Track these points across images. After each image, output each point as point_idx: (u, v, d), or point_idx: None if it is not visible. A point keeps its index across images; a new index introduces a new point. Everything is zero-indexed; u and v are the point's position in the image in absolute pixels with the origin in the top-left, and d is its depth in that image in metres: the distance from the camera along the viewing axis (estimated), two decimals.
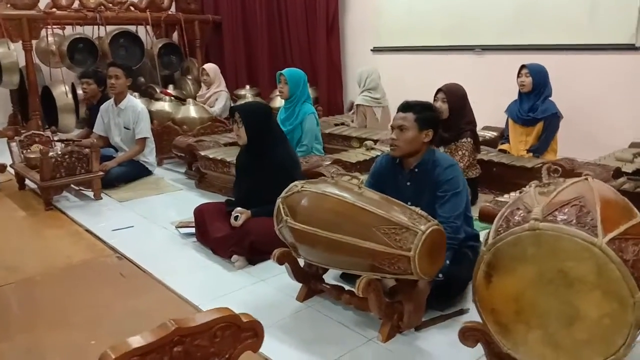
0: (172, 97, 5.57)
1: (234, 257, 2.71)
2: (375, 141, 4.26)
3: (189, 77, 7.62)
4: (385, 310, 1.99)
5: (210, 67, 5.83)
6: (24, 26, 6.14)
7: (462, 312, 2.21)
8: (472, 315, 1.99)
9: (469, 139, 3.53)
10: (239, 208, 2.87)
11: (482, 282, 1.57)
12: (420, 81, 5.63)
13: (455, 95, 3.62)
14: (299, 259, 2.29)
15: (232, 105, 5.69)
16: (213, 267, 2.75)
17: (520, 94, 4.08)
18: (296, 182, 2.23)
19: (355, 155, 3.93)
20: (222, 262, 2.80)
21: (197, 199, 4.01)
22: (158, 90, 6.74)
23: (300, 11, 6.60)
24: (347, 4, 6.32)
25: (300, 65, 6.54)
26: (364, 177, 2.36)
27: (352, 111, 5.98)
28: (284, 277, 2.51)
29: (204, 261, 2.83)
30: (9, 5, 6.14)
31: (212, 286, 2.54)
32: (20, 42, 6.21)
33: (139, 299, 2.40)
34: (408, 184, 2.32)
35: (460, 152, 3.50)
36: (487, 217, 2.67)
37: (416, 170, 2.30)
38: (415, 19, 5.65)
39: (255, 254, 2.73)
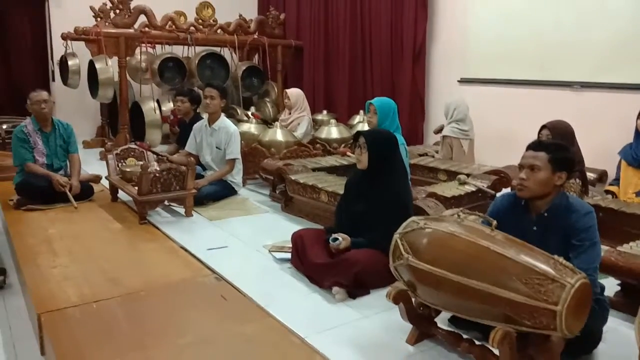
0: (260, 120, 5.67)
1: (335, 288, 2.63)
2: (468, 175, 4.12)
3: (268, 99, 7.77)
4: None
5: (292, 91, 5.90)
6: (121, 44, 6.48)
7: None
8: None
9: (577, 180, 3.34)
10: (341, 234, 2.81)
11: None
12: (510, 116, 5.49)
13: (561, 133, 3.46)
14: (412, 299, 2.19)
15: (313, 130, 5.78)
16: (312, 297, 2.69)
17: (637, 135, 3.84)
18: (415, 218, 2.14)
19: (449, 189, 3.80)
20: (320, 291, 2.73)
21: (285, 222, 4.01)
22: (239, 111, 6.91)
23: (385, 38, 6.60)
24: (435, 33, 6.25)
25: (380, 92, 6.52)
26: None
27: (437, 132, 5.85)
28: (388, 315, 2.42)
29: (302, 289, 2.77)
30: (107, 24, 6.49)
31: (315, 318, 2.47)
32: (116, 58, 6.53)
33: (244, 325, 2.36)
34: (535, 228, 2.18)
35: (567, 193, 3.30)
36: (610, 269, 2.49)
37: (546, 214, 2.15)
38: (505, 50, 5.50)
39: (357, 287, 2.65)
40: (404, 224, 2.14)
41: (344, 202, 3.08)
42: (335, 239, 2.74)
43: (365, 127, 5.72)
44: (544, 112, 4.97)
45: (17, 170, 4.21)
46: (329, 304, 2.61)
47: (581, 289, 1.68)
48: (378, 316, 2.48)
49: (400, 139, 4.03)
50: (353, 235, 2.78)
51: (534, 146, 2.20)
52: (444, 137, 5.20)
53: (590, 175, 4.36)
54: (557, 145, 2.20)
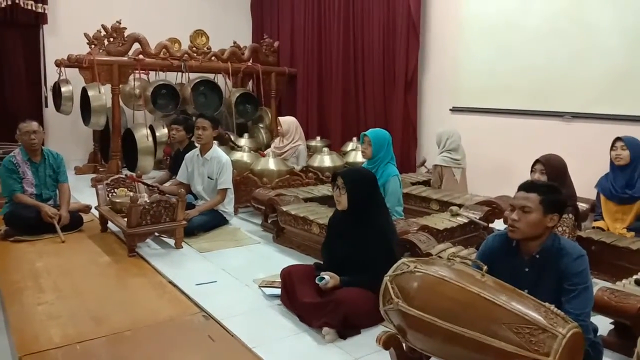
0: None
1: (325, 329, 2.58)
2: (460, 206, 4.11)
3: (261, 125, 7.79)
4: None
5: (285, 119, 5.92)
6: (115, 71, 6.49)
7: None
8: None
9: (570, 215, 3.33)
10: (329, 272, 2.78)
11: None
12: (502, 146, 5.51)
13: (554, 167, 3.46)
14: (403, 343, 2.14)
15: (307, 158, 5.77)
16: (302, 337, 2.63)
17: (613, 167, 3.84)
18: (405, 260, 2.11)
19: (441, 221, 3.78)
20: (310, 331, 2.68)
21: (276, 254, 3.97)
22: (233, 138, 6.90)
23: (377, 66, 6.64)
24: (427, 62, 6.30)
25: (373, 120, 6.56)
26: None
27: (426, 170, 5.88)
28: (379, 356, 2.38)
29: (292, 329, 2.72)
30: (101, 51, 6.51)
31: None
32: (109, 85, 6.54)
33: None
34: (527, 270, 2.15)
35: (560, 229, 3.29)
36: (602, 308, 2.45)
37: (538, 256, 2.13)
38: (497, 80, 5.54)
39: (347, 327, 2.60)
40: (394, 266, 2.11)
41: (328, 241, 3.04)
42: (322, 279, 2.70)
43: (359, 155, 5.75)
44: (536, 142, 5.02)
45: (6, 201, 4.16)
46: (319, 345, 2.56)
47: (573, 339, 1.66)
48: (369, 357, 2.44)
49: (394, 170, 4.04)
50: (340, 273, 2.74)
51: (525, 187, 2.19)
52: (435, 166, 5.21)
53: (582, 206, 4.35)
54: (549, 186, 2.19)
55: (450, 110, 6.01)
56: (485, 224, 3.97)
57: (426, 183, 5.28)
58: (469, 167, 5.22)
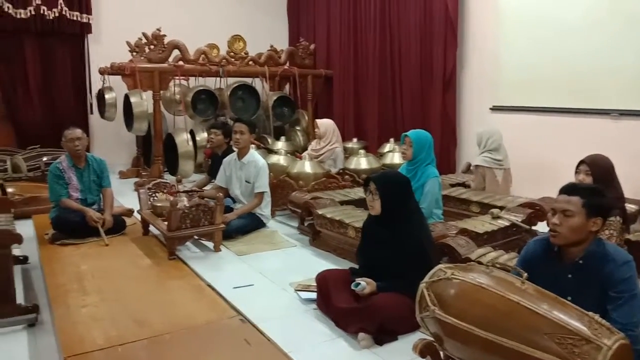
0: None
1: (361, 334, 2.56)
2: (501, 208, 3.99)
3: (298, 128, 7.82)
4: None
5: (322, 122, 5.93)
6: (156, 78, 6.66)
7: None
8: None
9: (617, 218, 3.17)
10: (365, 278, 2.75)
11: None
12: (544, 145, 5.33)
13: (600, 168, 3.30)
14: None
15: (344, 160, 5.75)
16: (337, 343, 2.62)
17: None
18: (442, 267, 2.06)
19: (482, 224, 3.68)
20: (345, 336, 2.66)
21: (312, 258, 3.97)
22: (270, 141, 6.96)
23: (415, 65, 6.57)
24: (466, 60, 6.18)
25: (411, 120, 6.48)
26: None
27: (465, 171, 5.75)
28: None
29: (327, 334, 2.70)
30: (142, 58, 6.69)
31: None
32: (151, 92, 6.71)
33: None
34: (569, 276, 2.07)
35: (607, 232, 3.15)
36: None
37: (581, 262, 2.05)
38: (538, 77, 5.37)
39: (383, 333, 2.56)
40: (431, 272, 2.06)
41: (362, 246, 3.01)
42: (358, 284, 2.67)
43: (396, 157, 5.69)
44: (581, 141, 4.84)
45: (53, 206, 4.32)
46: (354, 351, 2.53)
47: (620, 351, 1.57)
48: None
49: (434, 172, 3.97)
50: (375, 278, 2.71)
51: (567, 190, 2.10)
52: (476, 166, 5.08)
53: (630, 208, 4.16)
54: (592, 189, 2.10)
55: (491, 109, 5.86)
56: (528, 227, 3.84)
57: (466, 185, 5.16)
58: (511, 167, 5.07)
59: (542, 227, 3.89)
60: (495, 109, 5.82)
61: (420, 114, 6.53)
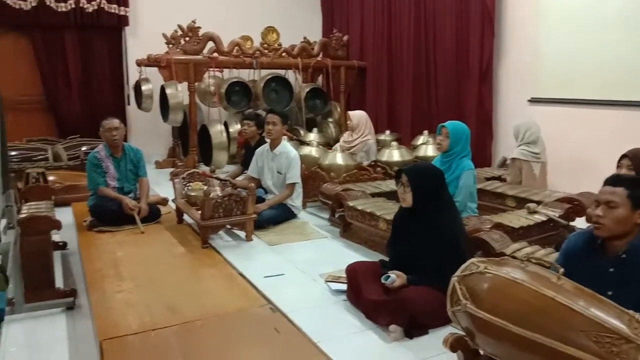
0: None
1: (393, 326, 2.53)
2: (538, 203, 3.89)
3: (330, 120, 7.80)
4: None
5: (355, 114, 5.89)
6: (191, 69, 6.74)
7: None
8: None
9: None
10: (395, 271, 2.72)
11: None
12: (585, 139, 5.15)
13: None
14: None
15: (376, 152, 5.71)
16: (367, 335, 2.61)
17: None
18: (475, 261, 2.01)
19: (517, 218, 3.59)
20: (375, 328, 2.65)
21: (343, 249, 3.96)
22: (302, 133, 6.96)
23: (450, 56, 6.44)
24: (503, 50, 6.02)
25: (445, 112, 6.36)
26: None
27: (502, 165, 5.62)
28: (446, 358, 2.30)
29: (357, 325, 2.70)
30: (178, 50, 6.79)
31: (370, 358, 2.39)
32: (186, 83, 6.81)
33: None
34: (611, 270, 1.99)
35: None
36: None
37: (624, 256, 1.97)
38: (579, 68, 5.18)
39: (413, 327, 2.54)
40: (463, 266, 2.02)
41: (393, 239, 2.97)
42: (388, 277, 2.65)
43: (430, 149, 5.61)
44: (622, 134, 4.65)
45: (91, 194, 4.44)
46: (384, 343, 2.52)
47: None
48: (436, 359, 2.37)
49: (470, 164, 3.90)
50: (406, 271, 2.68)
51: (611, 181, 2.03)
52: (513, 159, 4.95)
53: None
54: (638, 180, 2.03)
55: (529, 101, 5.70)
56: (566, 223, 3.73)
57: (502, 178, 5.05)
58: (549, 161, 4.92)
59: (580, 223, 3.77)
60: (534, 101, 5.65)
61: (456, 105, 6.40)
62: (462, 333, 2.02)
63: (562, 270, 1.80)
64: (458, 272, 2.01)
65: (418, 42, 6.90)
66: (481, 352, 2.00)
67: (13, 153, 5.70)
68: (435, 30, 6.65)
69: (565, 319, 1.65)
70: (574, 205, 3.83)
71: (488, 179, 4.95)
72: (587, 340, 1.58)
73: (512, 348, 1.77)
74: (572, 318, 1.63)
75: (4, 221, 3.12)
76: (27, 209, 3.45)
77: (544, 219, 3.65)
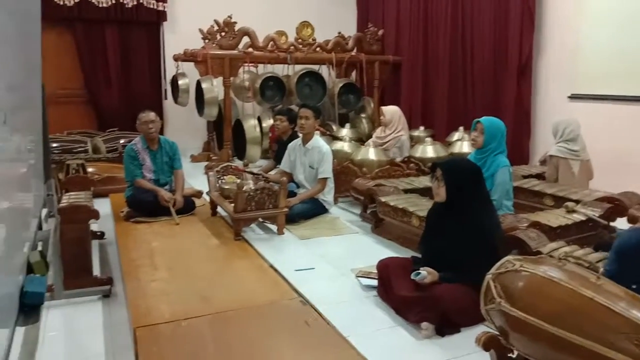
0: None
1: (424, 324, 2.50)
2: (577, 202, 3.77)
3: (363, 115, 7.76)
4: None
5: (388, 109, 5.83)
6: (226, 64, 6.82)
7: None
8: None
9: None
10: (426, 267, 2.69)
11: None
12: (627, 137, 4.97)
13: None
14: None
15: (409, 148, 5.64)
16: (397, 331, 2.58)
17: None
18: (510, 258, 1.97)
19: (555, 217, 3.49)
20: (404, 324, 2.63)
21: (374, 245, 3.94)
22: (335, 128, 6.95)
23: (488, 52, 6.31)
24: (543, 45, 5.86)
25: (482, 108, 6.24)
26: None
27: (542, 162, 5.47)
28: (478, 357, 2.25)
29: (387, 321, 2.68)
30: (214, 45, 6.87)
31: (398, 354, 2.37)
32: (221, 78, 6.89)
33: (325, 356, 2.32)
34: None
35: None
36: None
37: None
38: (622, 64, 5.00)
39: (446, 325, 2.50)
40: (498, 264, 1.98)
41: (426, 235, 2.93)
42: (418, 273, 2.62)
43: (465, 146, 5.51)
44: None
45: (128, 185, 4.54)
46: (415, 340, 2.49)
47: None
48: (467, 357, 2.33)
49: (505, 161, 3.81)
50: (438, 268, 2.64)
51: None
52: (550, 156, 4.82)
53: None
54: None
55: (569, 97, 5.54)
56: (606, 223, 3.60)
57: (539, 176, 4.91)
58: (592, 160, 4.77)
59: (621, 224, 3.64)
60: (574, 97, 5.49)
61: (493, 102, 6.28)
62: (496, 332, 1.98)
63: (601, 270, 1.75)
64: (493, 270, 1.97)
65: (455, 37, 6.78)
66: (515, 352, 1.96)
67: (54, 145, 5.88)
68: (472, 24, 6.53)
69: (604, 320, 1.59)
70: (614, 205, 3.69)
71: (525, 177, 4.83)
72: (629, 344, 1.52)
73: (547, 348, 1.72)
74: (612, 319, 1.58)
75: (45, 210, 3.22)
76: (67, 199, 3.55)
77: (583, 218, 3.53)
